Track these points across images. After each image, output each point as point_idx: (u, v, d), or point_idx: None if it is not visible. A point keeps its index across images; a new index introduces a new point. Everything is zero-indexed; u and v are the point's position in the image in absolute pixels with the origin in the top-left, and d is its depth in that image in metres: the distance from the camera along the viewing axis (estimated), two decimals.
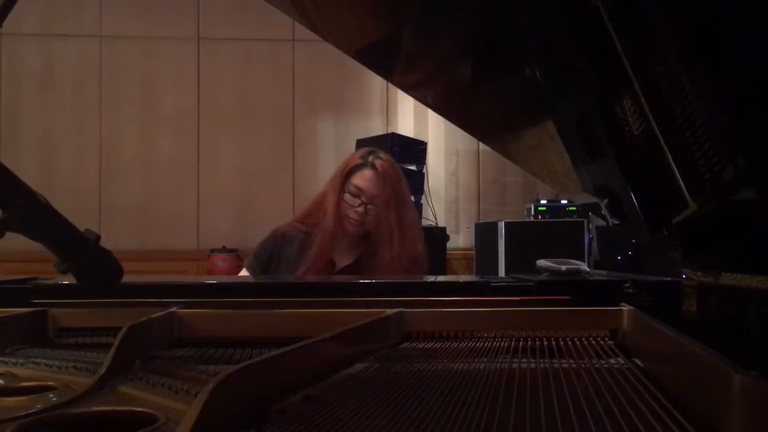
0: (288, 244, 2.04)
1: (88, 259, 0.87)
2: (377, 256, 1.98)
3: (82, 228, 0.87)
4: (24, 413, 0.67)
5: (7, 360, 0.93)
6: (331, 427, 0.62)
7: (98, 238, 0.88)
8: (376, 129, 5.46)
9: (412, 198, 2.16)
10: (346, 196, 1.98)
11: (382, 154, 2.05)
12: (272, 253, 2.05)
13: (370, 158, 2.01)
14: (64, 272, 0.86)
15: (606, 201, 1.19)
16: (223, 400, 0.58)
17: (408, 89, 1.89)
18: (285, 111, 5.50)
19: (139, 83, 5.39)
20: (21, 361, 0.92)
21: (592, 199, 1.23)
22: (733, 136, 0.79)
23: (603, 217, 1.21)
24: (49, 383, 0.80)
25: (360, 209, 1.96)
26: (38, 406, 0.70)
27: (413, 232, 2.01)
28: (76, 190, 5.17)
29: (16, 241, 0.91)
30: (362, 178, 1.98)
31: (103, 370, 0.80)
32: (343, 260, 2.05)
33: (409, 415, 0.65)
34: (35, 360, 0.92)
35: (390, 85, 5.02)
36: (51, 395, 0.75)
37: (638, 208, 1.08)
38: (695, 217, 0.93)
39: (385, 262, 1.95)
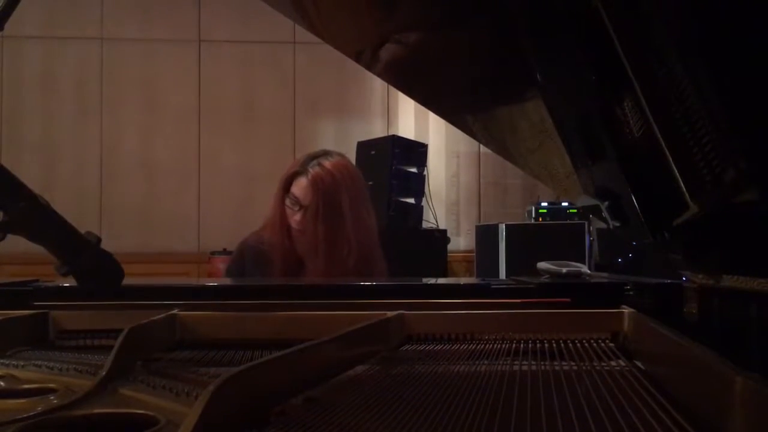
0: (258, 253, 1.99)
1: (89, 262, 0.87)
2: (304, 266, 1.92)
3: (83, 230, 0.88)
4: (25, 415, 0.67)
5: (8, 362, 0.93)
6: (332, 430, 0.62)
7: (99, 240, 0.88)
8: (377, 131, 5.46)
9: (368, 209, 1.97)
10: (287, 204, 1.92)
11: (326, 160, 1.91)
12: (244, 266, 2.01)
13: (308, 165, 1.90)
14: (65, 275, 0.86)
15: (607, 203, 1.19)
16: (224, 402, 0.58)
17: (407, 91, 1.89)
18: (286, 113, 5.50)
19: (140, 85, 5.39)
20: (22, 363, 0.92)
21: (593, 202, 1.23)
22: (735, 137, 0.79)
23: (604, 220, 1.21)
24: (50, 385, 0.80)
25: (298, 218, 1.89)
26: (39, 409, 0.70)
27: (344, 247, 1.87)
28: (77, 192, 5.17)
29: (17, 244, 0.91)
30: (298, 186, 1.90)
31: (104, 373, 0.80)
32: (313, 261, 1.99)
33: (410, 418, 0.65)
34: (36, 362, 0.92)
35: (391, 87, 5.02)
36: (52, 397, 0.76)
37: (639, 210, 1.08)
38: (696, 219, 0.93)
39: (310, 274, 1.88)
